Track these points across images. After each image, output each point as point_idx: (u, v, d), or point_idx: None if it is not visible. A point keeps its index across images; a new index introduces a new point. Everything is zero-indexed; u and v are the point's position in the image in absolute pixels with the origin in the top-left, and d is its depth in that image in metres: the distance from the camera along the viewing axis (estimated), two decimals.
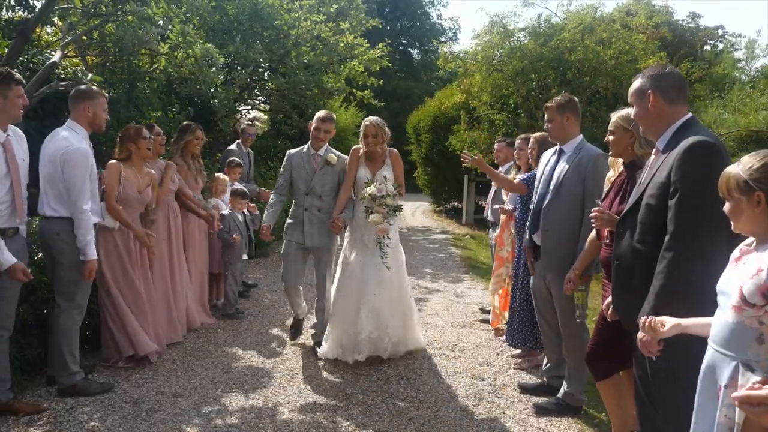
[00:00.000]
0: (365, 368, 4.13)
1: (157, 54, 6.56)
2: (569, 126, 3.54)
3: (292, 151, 4.52)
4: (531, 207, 3.77)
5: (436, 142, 14.97)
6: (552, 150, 3.70)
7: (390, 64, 13.08)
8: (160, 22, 6.48)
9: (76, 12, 5.15)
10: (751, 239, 1.80)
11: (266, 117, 13.66)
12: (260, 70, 10.45)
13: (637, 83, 2.43)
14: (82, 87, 3.81)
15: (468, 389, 3.84)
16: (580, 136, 3.58)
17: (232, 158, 6.19)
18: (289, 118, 11.66)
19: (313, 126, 4.37)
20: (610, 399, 2.87)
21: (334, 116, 4.34)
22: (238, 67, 10.34)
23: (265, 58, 9.64)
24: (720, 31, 22.43)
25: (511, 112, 12.12)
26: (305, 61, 10.25)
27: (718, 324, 1.78)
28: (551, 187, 3.48)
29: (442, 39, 33.91)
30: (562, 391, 3.53)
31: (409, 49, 34.02)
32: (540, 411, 3.48)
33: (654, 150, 2.46)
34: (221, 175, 5.83)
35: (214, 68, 7.59)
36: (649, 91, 2.36)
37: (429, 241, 11.48)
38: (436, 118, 15.25)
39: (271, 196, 4.56)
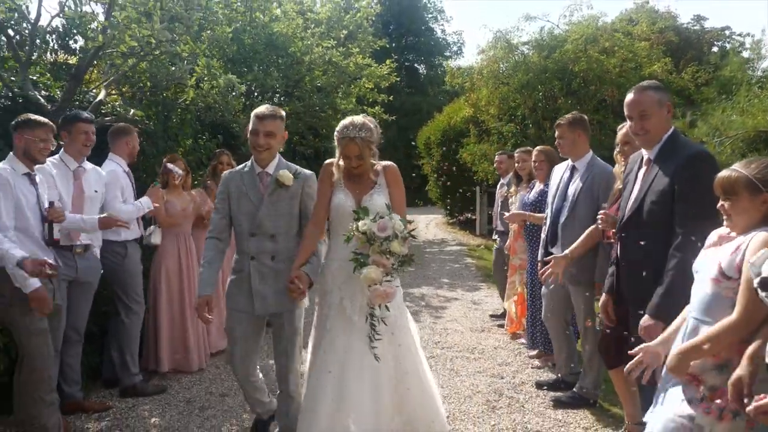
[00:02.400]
0: None
1: (185, 87, 7.03)
2: (581, 143, 3.87)
3: (229, 172, 3.10)
4: (546, 220, 4.09)
5: (447, 155, 15.37)
6: (564, 165, 4.01)
7: (398, 79, 13.59)
8: (188, 58, 6.95)
9: (117, 54, 5.62)
10: (726, 229, 2.11)
11: None
12: (277, 95, 10.94)
13: (653, 95, 2.65)
14: (120, 125, 4.40)
15: (489, 386, 4.16)
16: (590, 152, 3.91)
17: None
18: (304, 138, 12.18)
19: (249, 128, 2.92)
20: (622, 385, 3.15)
21: (282, 112, 2.96)
22: (255, 93, 10.85)
23: (281, 84, 10.12)
24: (727, 32, 22.62)
25: (520, 123, 12.49)
26: (318, 84, 10.75)
27: (697, 296, 2.09)
28: (567, 204, 3.79)
29: (447, 54, 34.54)
30: (578, 385, 3.84)
31: (415, 64, 34.62)
32: (557, 403, 3.80)
33: (645, 161, 2.80)
34: None
35: (234, 93, 8.07)
36: (669, 102, 2.68)
37: (445, 253, 11.80)
38: (445, 132, 15.66)
39: (206, 244, 3.04)
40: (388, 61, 12.57)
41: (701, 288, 2.07)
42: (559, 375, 4.13)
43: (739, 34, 20.61)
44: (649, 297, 2.59)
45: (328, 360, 2.73)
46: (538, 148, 4.73)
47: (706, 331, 1.98)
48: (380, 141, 2.86)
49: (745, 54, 14.46)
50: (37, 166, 3.17)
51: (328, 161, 2.92)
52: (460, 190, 15.61)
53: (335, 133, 2.80)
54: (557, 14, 24.52)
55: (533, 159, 4.70)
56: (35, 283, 2.89)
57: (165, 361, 4.37)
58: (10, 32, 5.91)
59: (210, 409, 3.79)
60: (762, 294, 1.73)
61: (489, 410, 3.74)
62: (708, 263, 2.06)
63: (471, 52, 58.00)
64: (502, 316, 6.02)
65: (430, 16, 34.78)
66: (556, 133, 3.94)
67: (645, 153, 2.80)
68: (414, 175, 18.85)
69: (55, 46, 6.49)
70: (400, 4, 31.74)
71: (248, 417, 3.65)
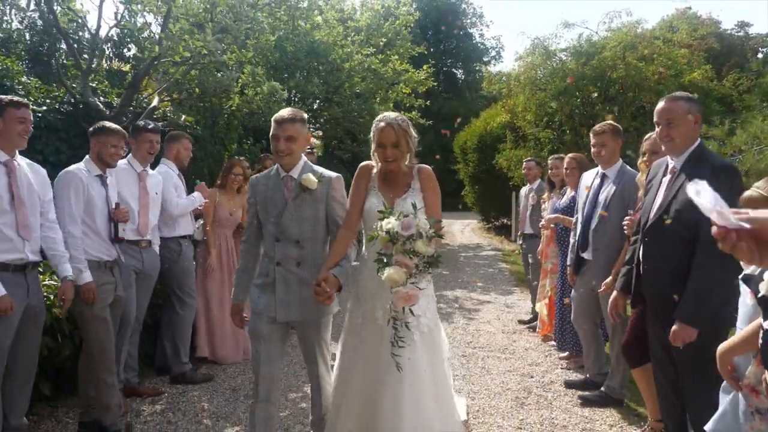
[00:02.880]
0: None
1: (230, 93, 7.41)
2: (617, 151, 4.00)
3: (255, 176, 3.03)
4: (576, 225, 4.21)
5: (483, 161, 15.44)
6: (593, 172, 4.13)
7: (435, 83, 13.77)
8: (234, 66, 7.32)
9: (169, 63, 6.02)
10: None
11: (318, 142, 14.59)
12: (317, 101, 11.28)
13: (683, 105, 2.79)
14: (173, 132, 4.75)
15: (518, 384, 4.31)
16: (620, 161, 4.03)
17: None
18: (342, 142, 12.51)
19: (270, 133, 2.81)
20: (644, 384, 3.28)
21: (304, 114, 2.83)
22: (295, 99, 11.21)
23: (321, 90, 10.45)
24: None
25: (556, 129, 12.50)
26: (357, 91, 11.04)
27: (741, 308, 2.22)
28: (597, 210, 3.91)
29: (486, 59, 34.53)
30: (605, 384, 3.96)
31: (453, 69, 34.71)
32: (585, 402, 3.93)
33: (669, 170, 2.92)
34: None
35: (276, 98, 8.42)
36: (698, 114, 2.81)
37: (479, 257, 11.91)
38: (482, 138, 15.74)
39: (240, 249, 3.04)
40: (425, 66, 12.77)
41: (744, 301, 2.20)
42: (588, 375, 4.25)
43: None
44: (669, 299, 2.72)
45: (357, 369, 2.69)
46: (570, 155, 4.85)
47: None
48: (417, 143, 2.78)
49: None
50: (109, 169, 3.51)
51: (363, 163, 2.86)
52: (496, 196, 15.67)
53: (372, 128, 2.74)
54: (596, 21, 24.30)
55: (565, 166, 4.83)
56: (87, 276, 3.21)
57: (203, 348, 4.71)
58: (70, 41, 6.38)
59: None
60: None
61: (518, 406, 3.90)
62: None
63: (510, 57, 57.76)
64: (530, 321, 6.13)
65: (468, 21, 34.84)
66: (597, 141, 3.99)
67: (670, 161, 2.92)
68: (454, 181, 18.91)
69: (110, 55, 6.97)
70: (439, 10, 31.93)
71: (289, 404, 3.91)
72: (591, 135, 4.07)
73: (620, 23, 12.23)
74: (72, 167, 3.37)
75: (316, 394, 2.95)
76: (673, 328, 2.66)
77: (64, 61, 7.70)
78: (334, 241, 2.78)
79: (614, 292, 3.23)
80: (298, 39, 10.50)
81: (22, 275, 3.01)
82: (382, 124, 2.69)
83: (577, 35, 12.46)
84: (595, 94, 11.33)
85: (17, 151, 3.05)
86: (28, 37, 9.57)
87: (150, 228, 3.96)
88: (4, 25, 9.47)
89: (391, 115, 2.74)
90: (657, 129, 2.90)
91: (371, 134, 2.75)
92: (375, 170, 2.81)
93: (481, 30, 35.68)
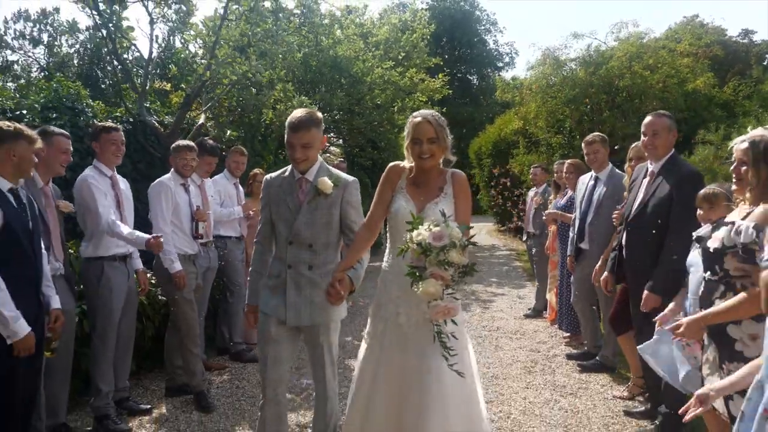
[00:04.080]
0: None
1: (265, 109, 8.22)
2: (607, 156, 4.75)
3: (270, 176, 2.92)
4: (575, 221, 4.91)
5: (497, 166, 16.10)
6: (588, 176, 4.86)
7: (450, 91, 14.46)
8: (267, 84, 8.13)
9: (213, 84, 6.84)
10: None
11: (338, 150, 15.38)
12: (341, 112, 12.03)
13: (666, 121, 3.51)
14: (234, 147, 5.47)
15: (527, 357, 5.03)
16: (610, 165, 4.76)
17: None
18: (363, 150, 13.27)
19: (285, 140, 2.74)
20: (627, 348, 3.98)
21: (318, 115, 2.75)
22: (317, 109, 11.94)
23: (344, 102, 11.21)
24: None
25: (567, 135, 13.13)
26: (378, 102, 11.78)
27: (692, 284, 2.85)
28: (592, 207, 4.64)
29: (499, 64, 35.14)
30: (600, 353, 4.67)
31: (468, 75, 35.35)
32: (583, 368, 4.65)
33: (649, 173, 3.63)
34: None
35: None
36: (675, 129, 3.56)
37: (494, 257, 12.59)
38: (496, 143, 16.39)
39: (254, 250, 2.99)
40: (440, 75, 13.46)
41: (694, 278, 2.72)
42: (585, 348, 4.95)
43: None
44: (647, 276, 3.42)
45: (382, 377, 2.58)
46: (569, 161, 5.57)
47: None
48: (452, 145, 2.69)
49: None
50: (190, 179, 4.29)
51: (393, 163, 2.76)
52: (509, 199, 16.28)
53: (406, 125, 2.66)
54: (604, 32, 24.88)
55: (564, 170, 5.54)
56: (178, 266, 3.98)
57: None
58: (113, 62, 7.18)
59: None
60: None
61: (526, 373, 4.62)
62: (698, 260, 2.67)
63: (523, 62, 58.34)
64: (534, 316, 6.64)
65: (482, 27, 35.48)
66: (589, 149, 4.74)
67: (650, 166, 3.63)
68: (469, 186, 19.58)
69: (154, 75, 7.81)
70: (453, 18, 32.61)
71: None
72: (583, 145, 4.80)
73: (627, 33, 12.85)
74: (162, 178, 4.16)
75: (321, 402, 2.83)
76: (644, 295, 3.36)
77: (112, 83, 8.51)
78: (354, 241, 2.72)
79: (605, 273, 3.93)
80: (321, 55, 11.26)
81: (124, 264, 3.82)
82: (418, 118, 2.59)
83: (586, 45, 13.09)
84: (603, 102, 11.97)
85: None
86: (76, 61, 10.47)
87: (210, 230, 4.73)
88: (55, 50, 10.33)
89: (427, 111, 2.68)
90: (643, 138, 3.63)
91: (405, 132, 2.67)
92: (405, 171, 2.71)
93: (495, 36, 36.23)
